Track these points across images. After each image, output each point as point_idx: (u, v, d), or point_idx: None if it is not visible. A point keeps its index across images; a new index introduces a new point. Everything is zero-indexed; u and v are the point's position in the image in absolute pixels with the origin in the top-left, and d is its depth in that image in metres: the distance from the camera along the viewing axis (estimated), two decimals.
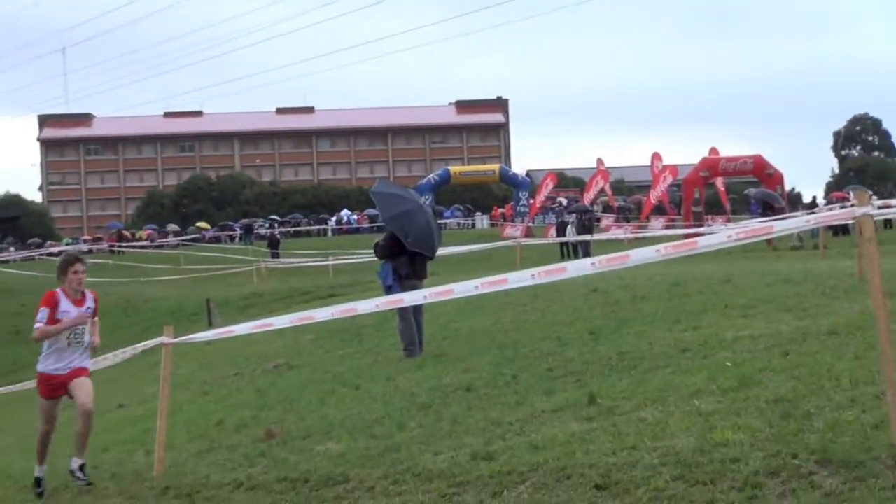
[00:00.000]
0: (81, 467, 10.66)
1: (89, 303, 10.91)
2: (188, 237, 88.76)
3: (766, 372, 9.62)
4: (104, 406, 18.04)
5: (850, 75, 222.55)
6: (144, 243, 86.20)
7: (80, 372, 10.83)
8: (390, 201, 17.05)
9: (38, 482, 10.96)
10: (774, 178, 50.80)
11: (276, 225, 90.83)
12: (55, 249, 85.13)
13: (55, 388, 10.80)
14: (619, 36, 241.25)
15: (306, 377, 17.24)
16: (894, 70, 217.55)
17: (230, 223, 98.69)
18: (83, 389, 10.67)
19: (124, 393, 22.18)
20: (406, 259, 16.24)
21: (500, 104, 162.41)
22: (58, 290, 10.86)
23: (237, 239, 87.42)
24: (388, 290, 15.85)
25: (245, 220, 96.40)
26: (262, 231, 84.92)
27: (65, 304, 10.73)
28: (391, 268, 16.28)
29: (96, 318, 11.03)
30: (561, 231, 47.07)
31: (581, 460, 7.66)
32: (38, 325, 10.63)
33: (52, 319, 10.63)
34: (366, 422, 11.42)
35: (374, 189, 18.01)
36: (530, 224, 67.64)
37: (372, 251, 17.51)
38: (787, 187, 57.79)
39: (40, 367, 10.89)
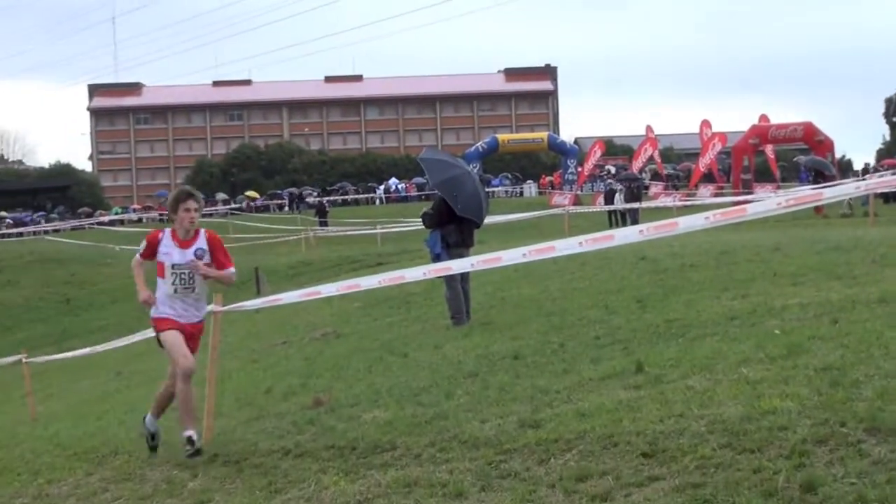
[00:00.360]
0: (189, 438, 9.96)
1: (200, 243, 10.18)
2: (236, 206, 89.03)
3: (814, 340, 9.55)
4: (153, 374, 18.19)
5: None
6: None
7: (194, 335, 10.34)
8: (439, 167, 17.05)
9: (153, 436, 10.52)
10: (825, 145, 50.28)
11: (323, 193, 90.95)
12: (105, 218, 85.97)
13: (175, 325, 10.11)
14: (669, 2, 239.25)
15: (354, 345, 17.30)
16: None
17: (278, 192, 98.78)
18: None
19: None
20: (454, 227, 16.23)
21: (548, 72, 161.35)
22: (165, 230, 10.25)
23: (285, 208, 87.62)
24: (436, 259, 15.84)
25: (293, 189, 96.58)
26: (311, 200, 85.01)
27: (166, 246, 10.11)
28: (439, 236, 16.27)
29: (210, 263, 10.18)
30: (609, 199, 47.02)
31: (628, 428, 7.64)
32: (138, 254, 10.25)
33: (149, 256, 10.17)
34: (413, 390, 11.44)
35: (422, 156, 18.04)
36: (578, 192, 67.50)
37: (419, 220, 17.50)
38: (838, 154, 57.27)
39: (153, 313, 10.22)
